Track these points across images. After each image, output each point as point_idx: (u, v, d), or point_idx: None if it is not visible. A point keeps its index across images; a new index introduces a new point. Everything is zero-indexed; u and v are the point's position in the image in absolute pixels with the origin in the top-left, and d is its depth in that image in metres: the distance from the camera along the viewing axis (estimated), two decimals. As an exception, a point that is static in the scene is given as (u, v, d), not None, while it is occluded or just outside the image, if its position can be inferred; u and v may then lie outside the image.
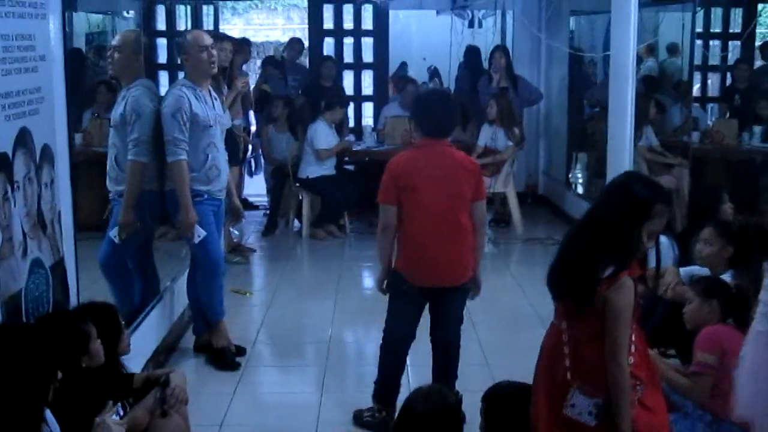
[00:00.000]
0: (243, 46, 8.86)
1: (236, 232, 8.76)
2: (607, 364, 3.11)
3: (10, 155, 3.29)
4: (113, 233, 5.17)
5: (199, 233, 5.32)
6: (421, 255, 4.56)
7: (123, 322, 3.90)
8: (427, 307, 4.76)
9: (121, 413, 3.36)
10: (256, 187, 10.62)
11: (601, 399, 3.13)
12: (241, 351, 5.76)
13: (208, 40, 5.44)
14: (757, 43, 10.10)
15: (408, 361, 5.30)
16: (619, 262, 3.12)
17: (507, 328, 6.45)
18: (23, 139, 3.41)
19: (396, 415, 4.69)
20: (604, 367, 3.11)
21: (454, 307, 4.72)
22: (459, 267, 4.61)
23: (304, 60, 11.67)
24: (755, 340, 3.43)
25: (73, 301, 3.88)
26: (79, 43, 7.17)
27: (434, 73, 12.25)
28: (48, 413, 2.93)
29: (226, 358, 5.62)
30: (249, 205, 10.31)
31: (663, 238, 5.53)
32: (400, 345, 4.79)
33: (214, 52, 5.47)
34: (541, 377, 3.37)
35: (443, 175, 4.50)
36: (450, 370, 4.78)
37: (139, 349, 4.71)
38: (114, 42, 5.43)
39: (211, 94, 5.59)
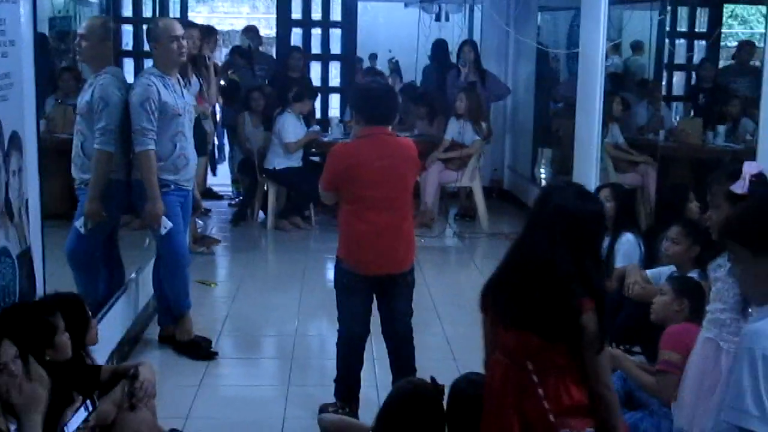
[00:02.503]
0: (211, 34, 8.77)
1: (201, 222, 8.69)
2: (598, 390, 2.95)
3: (-21, 142, 3.23)
4: (79, 223, 5.10)
5: (166, 225, 5.26)
6: (362, 244, 4.58)
7: (90, 313, 3.85)
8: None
9: (91, 408, 3.31)
10: (220, 177, 10.56)
11: (592, 428, 2.97)
12: (206, 343, 5.72)
13: (179, 30, 5.38)
14: (722, 44, 10.18)
15: (374, 355, 5.31)
16: (592, 285, 2.94)
17: (472, 322, 6.37)
18: (-9, 125, 3.35)
19: (358, 408, 4.75)
20: (582, 396, 2.96)
21: (400, 302, 4.73)
22: (399, 255, 4.64)
23: (270, 49, 11.59)
24: (702, 347, 3.46)
25: (40, 291, 3.83)
26: (43, 27, 7.05)
27: (395, 66, 12.24)
28: None
29: (200, 348, 5.58)
30: (214, 195, 10.25)
31: (629, 236, 5.57)
32: (355, 341, 4.79)
33: (185, 42, 5.42)
34: (503, 425, 3.05)
35: (386, 165, 4.52)
36: (407, 364, 4.79)
37: (104, 340, 4.63)
38: (80, 30, 5.35)
39: (180, 83, 5.53)
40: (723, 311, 3.36)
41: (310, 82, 10.22)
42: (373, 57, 11.75)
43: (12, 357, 2.98)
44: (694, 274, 4.66)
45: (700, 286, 4.32)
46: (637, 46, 9.72)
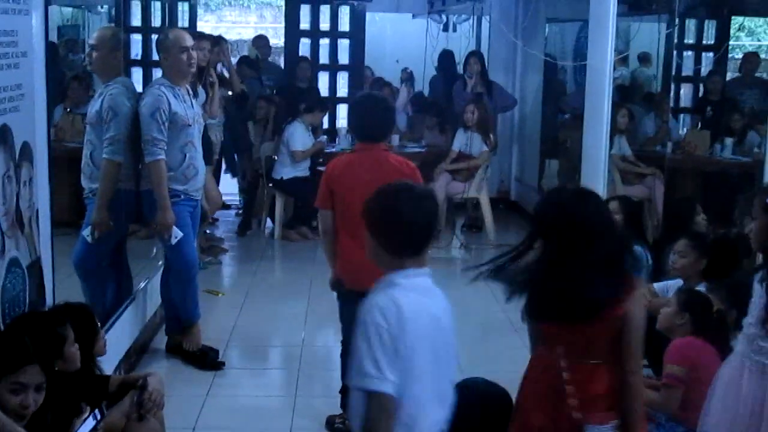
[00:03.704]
0: (218, 44, 8.79)
1: (207, 232, 8.70)
2: (629, 378, 2.97)
3: (-10, 153, 3.24)
4: (86, 233, 5.11)
5: (176, 234, 5.28)
6: (352, 262, 4.55)
7: (99, 323, 3.86)
8: None
9: (99, 417, 3.32)
10: (228, 187, 10.55)
11: (616, 420, 3.00)
12: (213, 353, 5.73)
13: (189, 41, 5.39)
14: (730, 56, 10.19)
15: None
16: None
17: (479, 334, 6.45)
18: (3, 136, 3.36)
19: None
20: (614, 389, 3.00)
21: None
22: None
23: (278, 59, 11.60)
24: (731, 361, 3.46)
25: (49, 301, 3.83)
26: (52, 36, 7.07)
27: (409, 77, 12.24)
28: None
29: (208, 358, 5.59)
30: (222, 205, 10.24)
31: (637, 248, 5.56)
32: None
33: (194, 53, 5.44)
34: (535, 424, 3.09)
35: (375, 179, 4.46)
36: None
37: (112, 349, 4.65)
38: (91, 40, 5.37)
39: (189, 93, 5.56)
40: (750, 326, 3.37)
41: (318, 92, 10.23)
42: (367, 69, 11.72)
43: (35, 385, 3.00)
44: (701, 287, 4.66)
45: (708, 301, 4.32)
46: (644, 58, 9.73)
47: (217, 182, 10.01)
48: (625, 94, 9.23)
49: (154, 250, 6.16)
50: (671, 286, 4.92)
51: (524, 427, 3.13)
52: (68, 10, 7.89)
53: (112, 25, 6.21)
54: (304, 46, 10.92)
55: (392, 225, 2.83)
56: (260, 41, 11.00)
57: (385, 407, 2.62)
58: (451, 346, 2.80)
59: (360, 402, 2.64)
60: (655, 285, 5.08)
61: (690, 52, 10.16)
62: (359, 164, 4.54)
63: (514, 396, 3.34)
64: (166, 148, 5.23)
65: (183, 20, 9.53)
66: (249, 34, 20.59)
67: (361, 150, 4.61)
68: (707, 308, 4.23)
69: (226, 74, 8.69)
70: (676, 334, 4.18)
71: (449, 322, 2.82)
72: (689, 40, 10.11)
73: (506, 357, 5.83)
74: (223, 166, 10.71)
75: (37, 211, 3.71)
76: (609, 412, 3.01)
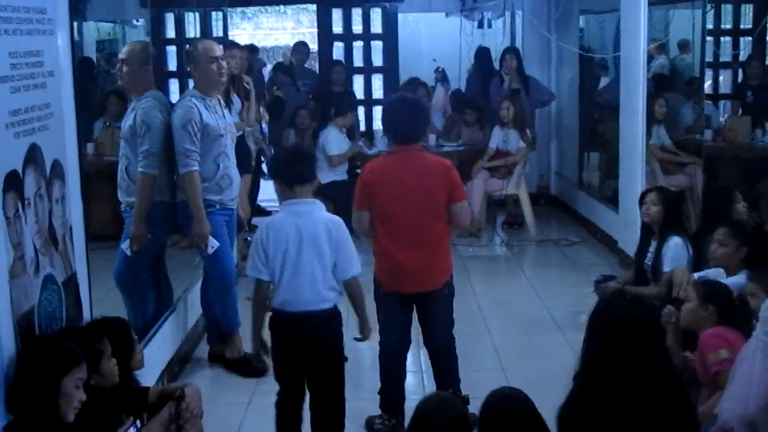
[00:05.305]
0: (250, 53, 8.83)
1: (248, 239, 8.73)
2: None
3: (21, 172, 3.27)
4: (125, 246, 5.17)
5: (213, 244, 5.31)
6: (390, 263, 4.59)
7: (136, 337, 3.89)
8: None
9: (138, 425, 3.35)
10: (267, 193, 10.59)
11: None
12: (257, 361, 5.74)
13: (218, 51, 5.42)
14: (769, 39, 10.01)
15: (422, 367, 5.30)
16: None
17: (522, 332, 6.41)
18: (33, 155, 3.39)
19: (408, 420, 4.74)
20: None
21: (437, 313, 4.71)
22: (429, 274, 4.62)
23: (314, 64, 11.65)
24: (752, 342, 3.43)
25: (86, 316, 3.87)
26: (90, 51, 7.16)
27: (442, 75, 12.21)
28: None
29: (250, 365, 5.61)
30: (261, 211, 10.29)
31: (677, 239, 5.50)
32: (393, 353, 4.81)
33: (224, 63, 5.46)
34: None
35: (412, 182, 4.51)
36: (449, 375, 4.78)
37: (154, 360, 4.72)
38: (121, 55, 5.41)
39: (220, 104, 5.59)
40: (766, 308, 3.34)
41: (354, 96, 10.25)
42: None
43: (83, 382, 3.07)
44: (742, 276, 4.59)
45: (727, 288, 4.26)
46: (683, 45, 9.61)
47: (258, 188, 10.10)
48: (665, 82, 9.11)
49: (197, 259, 6.20)
50: (711, 275, 4.85)
51: None
52: (106, 25, 7.99)
53: (146, 39, 6.27)
54: (338, 50, 10.96)
55: (272, 172, 4.54)
56: (301, 47, 11.03)
57: (259, 291, 4.23)
58: (322, 248, 4.17)
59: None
60: (695, 275, 5.01)
61: (728, 38, 10.01)
62: (395, 167, 4.56)
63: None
64: (199, 159, 5.26)
65: (217, 29, 9.58)
66: (286, 40, 20.70)
67: (396, 152, 4.62)
68: (728, 295, 4.18)
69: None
70: (702, 328, 4.11)
71: (319, 233, 4.17)
72: (726, 25, 9.97)
73: (549, 354, 5.80)
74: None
75: (71, 227, 3.75)
76: None
